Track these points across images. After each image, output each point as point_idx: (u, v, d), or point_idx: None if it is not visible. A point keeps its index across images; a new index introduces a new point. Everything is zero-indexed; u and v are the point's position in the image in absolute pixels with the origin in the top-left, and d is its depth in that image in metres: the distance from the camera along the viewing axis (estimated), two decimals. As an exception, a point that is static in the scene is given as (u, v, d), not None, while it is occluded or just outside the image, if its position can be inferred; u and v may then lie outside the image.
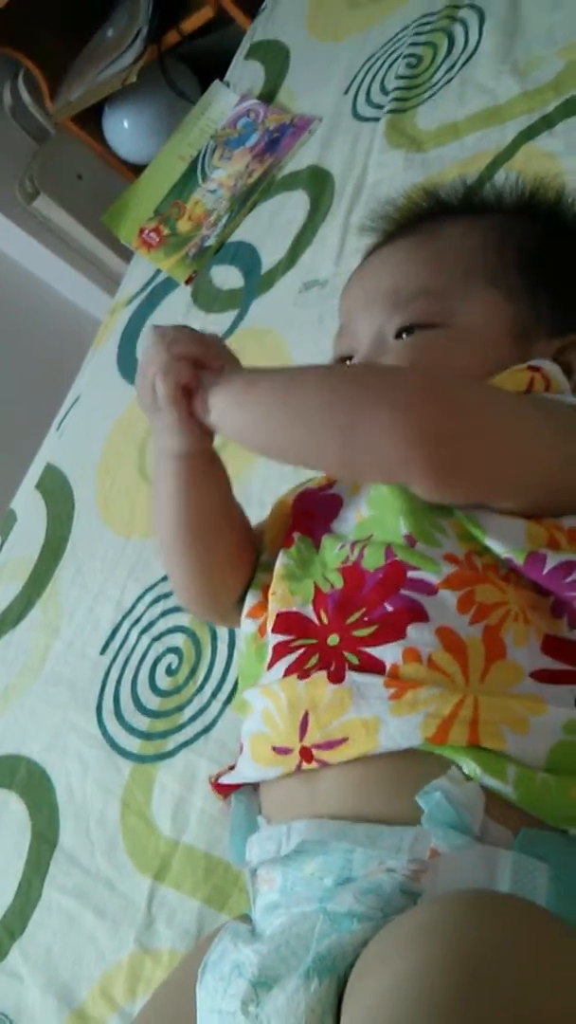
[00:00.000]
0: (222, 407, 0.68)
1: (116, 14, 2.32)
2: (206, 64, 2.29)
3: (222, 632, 1.02)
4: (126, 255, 2.29)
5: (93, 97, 2.27)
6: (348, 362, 0.82)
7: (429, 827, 0.59)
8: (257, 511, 1.08)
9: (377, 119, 1.38)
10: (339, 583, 0.69)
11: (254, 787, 0.73)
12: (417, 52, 1.41)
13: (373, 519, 0.71)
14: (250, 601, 0.79)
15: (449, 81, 1.32)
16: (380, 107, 1.39)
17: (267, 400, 0.68)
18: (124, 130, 2.39)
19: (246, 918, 0.71)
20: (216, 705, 0.96)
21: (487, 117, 1.22)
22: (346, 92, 1.49)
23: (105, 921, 0.89)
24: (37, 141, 2.44)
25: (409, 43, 1.43)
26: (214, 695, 0.97)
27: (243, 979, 0.58)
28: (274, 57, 1.71)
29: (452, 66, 1.33)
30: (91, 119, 2.41)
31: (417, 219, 0.89)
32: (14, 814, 1.06)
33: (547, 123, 1.14)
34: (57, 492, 1.40)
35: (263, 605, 0.77)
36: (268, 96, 1.64)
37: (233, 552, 0.80)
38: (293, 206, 1.41)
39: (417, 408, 0.63)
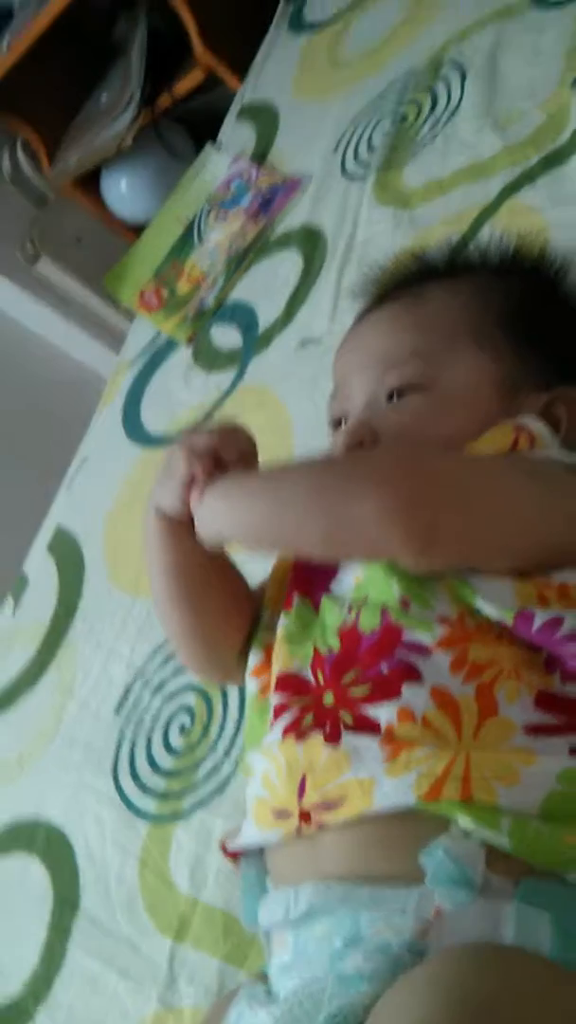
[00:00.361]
0: (211, 502, 0.72)
1: (109, 80, 2.38)
2: (199, 123, 2.36)
3: (232, 690, 1.04)
4: (128, 313, 2.33)
5: (90, 162, 2.33)
6: (342, 424, 0.84)
7: (433, 886, 0.60)
8: (262, 566, 1.11)
9: (365, 177, 1.41)
10: (337, 646, 0.71)
11: (262, 850, 0.75)
12: (401, 110, 1.44)
13: (368, 580, 0.73)
14: (253, 660, 0.81)
15: (434, 138, 1.35)
16: (367, 165, 1.43)
17: (253, 489, 0.72)
18: (122, 192, 2.45)
19: (264, 976, 0.72)
20: (229, 764, 0.98)
21: (471, 173, 1.25)
22: (335, 151, 1.52)
23: (128, 981, 0.91)
24: (37, 206, 2.50)
25: (393, 101, 1.47)
26: (227, 754, 0.99)
27: None
28: (264, 118, 1.76)
29: (436, 123, 1.37)
30: (89, 182, 2.47)
31: (404, 283, 0.92)
32: (36, 879, 1.07)
33: (529, 177, 1.17)
34: (68, 553, 1.43)
35: (266, 664, 0.79)
36: (260, 157, 1.69)
37: (228, 606, 0.83)
38: (287, 265, 1.44)
39: (394, 484, 0.66)
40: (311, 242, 1.43)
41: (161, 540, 0.79)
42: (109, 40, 2.43)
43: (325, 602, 0.76)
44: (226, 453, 0.73)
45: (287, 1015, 0.60)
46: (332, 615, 0.74)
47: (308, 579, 0.80)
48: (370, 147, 1.46)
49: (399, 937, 0.60)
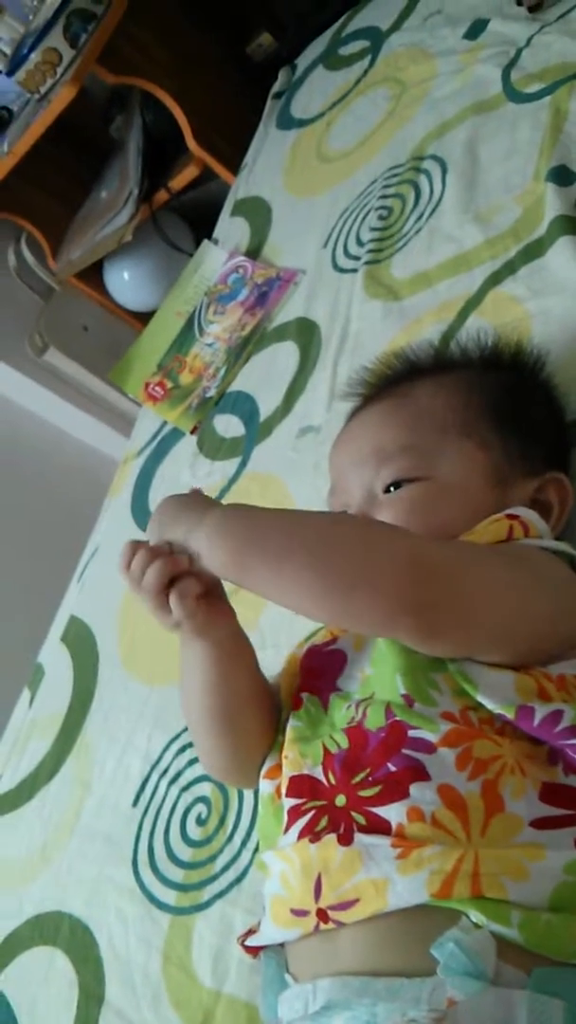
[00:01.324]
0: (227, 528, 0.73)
1: (108, 176, 2.48)
2: (197, 213, 2.44)
3: (247, 778, 1.06)
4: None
5: (93, 256, 2.41)
6: None
7: (445, 976, 0.63)
8: (272, 654, 1.13)
9: (355, 270, 1.47)
10: (344, 743, 0.74)
11: (281, 944, 0.77)
12: (387, 204, 1.50)
13: (375, 677, 0.77)
14: (268, 763, 0.84)
15: (418, 231, 1.41)
16: (357, 259, 1.48)
17: (269, 538, 0.72)
18: (124, 282, 2.53)
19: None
20: (246, 855, 1.00)
21: (455, 265, 1.30)
22: (324, 246, 1.58)
23: (154, 1077, 0.92)
24: (43, 298, 2.59)
25: (379, 195, 1.52)
26: (244, 844, 1.01)
27: None
28: (257, 213, 1.83)
29: (420, 216, 1.42)
30: (93, 274, 2.55)
31: (391, 382, 0.97)
32: (61, 971, 1.09)
33: (510, 269, 1.22)
34: (82, 644, 1.47)
35: (279, 766, 0.81)
36: (254, 251, 1.75)
37: (263, 728, 0.85)
38: (284, 356, 1.49)
39: (400, 579, 0.69)
40: (306, 334, 1.48)
41: (201, 671, 0.82)
42: (106, 137, 2.54)
43: (333, 700, 0.79)
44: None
45: None
46: (340, 712, 0.77)
47: (315, 677, 0.83)
48: (359, 241, 1.52)
49: None
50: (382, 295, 1.39)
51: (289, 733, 0.79)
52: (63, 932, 1.12)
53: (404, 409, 0.91)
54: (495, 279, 1.23)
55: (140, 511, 1.58)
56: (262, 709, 0.86)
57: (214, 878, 1.01)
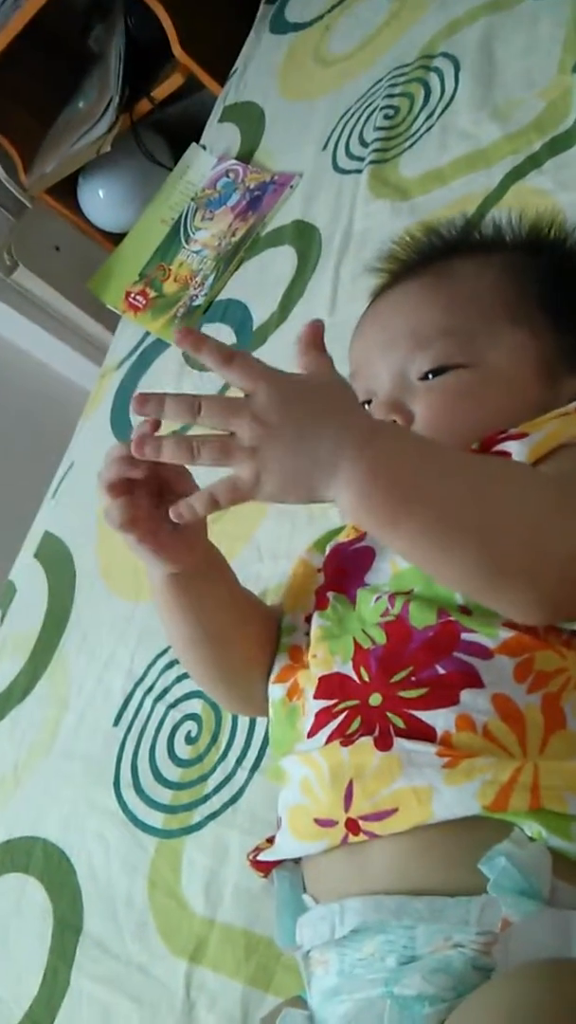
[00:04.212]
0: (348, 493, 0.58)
1: (86, 86, 2.34)
2: (178, 132, 2.32)
3: (242, 695, 0.98)
4: (108, 323, 2.29)
5: (67, 168, 2.28)
6: (367, 406, 0.78)
7: (497, 895, 0.55)
8: (270, 565, 1.06)
9: (359, 171, 1.38)
10: (381, 638, 0.66)
11: (296, 862, 0.70)
12: (394, 103, 1.41)
13: (415, 573, 0.68)
14: (277, 666, 0.76)
15: (429, 129, 1.33)
16: (361, 159, 1.39)
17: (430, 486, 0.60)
18: (99, 200, 2.40)
19: (299, 1001, 0.66)
20: (242, 773, 0.93)
21: (472, 161, 1.22)
22: (324, 148, 1.49)
23: (142, 1009, 0.85)
24: (13, 215, 2.46)
25: (384, 95, 1.43)
26: (239, 762, 0.94)
27: None
28: (249, 118, 1.72)
29: (431, 114, 1.34)
30: (66, 191, 2.42)
31: (425, 259, 0.87)
32: (33, 900, 1.01)
33: (534, 163, 1.14)
34: (57, 560, 1.37)
35: (291, 668, 0.74)
36: (246, 156, 1.65)
37: (255, 646, 0.77)
38: (280, 261, 1.40)
39: (556, 577, 0.59)
40: (305, 237, 1.39)
41: (173, 601, 0.73)
42: (85, 47, 2.40)
43: (361, 594, 0.71)
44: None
45: None
46: (369, 605, 0.69)
47: (341, 576, 0.75)
48: (362, 142, 1.43)
49: (461, 954, 0.55)
50: (389, 194, 1.30)
51: (315, 632, 0.71)
52: (36, 858, 1.04)
53: (444, 289, 0.82)
54: (517, 173, 1.15)
55: (120, 426, 1.48)
56: (249, 626, 0.78)
57: (206, 799, 0.94)
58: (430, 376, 0.76)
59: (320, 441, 0.57)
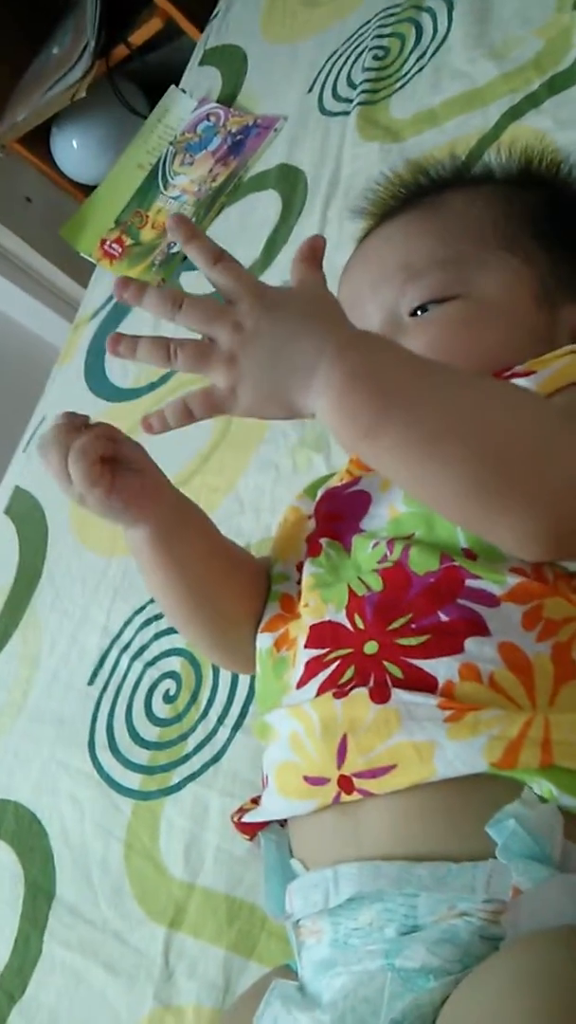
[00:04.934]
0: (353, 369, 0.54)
1: (60, 33, 2.25)
2: (156, 81, 2.23)
3: (223, 652, 0.94)
4: (80, 277, 2.22)
5: (41, 116, 2.19)
6: None
7: (507, 860, 0.51)
8: (252, 519, 1.02)
9: (347, 112, 1.32)
10: (377, 585, 0.62)
11: (283, 824, 0.65)
12: (383, 44, 1.36)
13: (416, 516, 0.64)
14: (267, 615, 0.71)
15: (421, 69, 1.27)
16: (349, 101, 1.34)
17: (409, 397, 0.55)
18: (73, 150, 2.32)
19: (288, 971, 0.63)
20: (224, 732, 0.88)
21: (466, 101, 1.18)
22: (310, 90, 1.44)
23: (118, 977, 0.80)
24: (-17, 164, 2.37)
25: (373, 36, 1.38)
26: (220, 721, 0.89)
27: None
28: (231, 62, 1.66)
29: (423, 55, 1.28)
30: (39, 141, 2.34)
31: (414, 195, 0.83)
32: (3, 864, 0.96)
33: (532, 102, 1.09)
34: (28, 516, 1.32)
35: (281, 617, 0.70)
36: (227, 100, 1.59)
37: (242, 599, 0.73)
38: (264, 206, 1.35)
39: (562, 506, 0.54)
40: (290, 181, 1.34)
41: (150, 557, 0.69)
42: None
43: (356, 540, 0.66)
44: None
45: (338, 1022, 0.50)
46: (365, 552, 0.64)
47: (335, 521, 0.70)
48: (350, 84, 1.37)
49: (467, 923, 0.51)
50: (379, 136, 1.25)
51: (307, 580, 0.67)
52: (6, 821, 1.00)
53: (434, 219, 0.78)
54: (515, 113, 1.11)
55: (95, 377, 1.42)
56: (233, 576, 0.73)
57: (185, 759, 0.89)
58: (422, 312, 0.71)
59: (300, 349, 0.54)
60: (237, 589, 0.73)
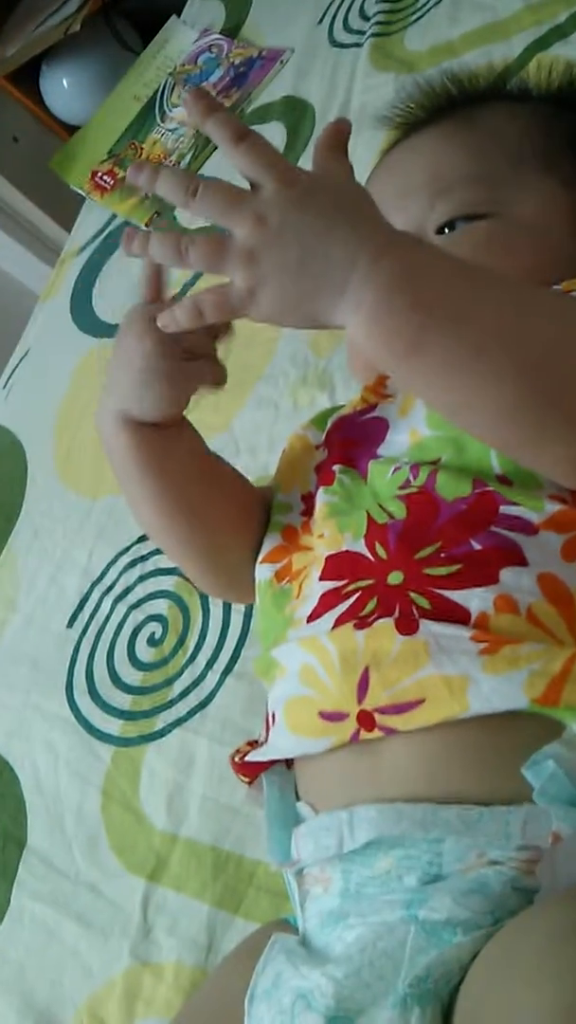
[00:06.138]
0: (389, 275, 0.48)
1: (55, -36, 2.17)
2: (154, 21, 2.15)
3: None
4: (66, 222, 2.14)
5: (31, 50, 2.10)
6: None
7: (544, 804, 0.46)
8: (247, 459, 0.96)
9: (359, 44, 1.26)
10: (401, 512, 0.56)
11: (287, 765, 0.60)
12: (400, -26, 1.29)
13: (442, 440, 0.59)
14: (267, 546, 0.65)
15: (439, 3, 1.21)
16: (361, 33, 1.28)
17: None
18: (63, 89, 2.22)
19: (286, 925, 0.57)
20: (213, 676, 0.83)
21: (488, 33, 1.12)
22: (320, 22, 1.37)
23: (91, 931, 0.75)
24: (-31, 100, 2.27)
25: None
26: (209, 665, 0.84)
27: (314, 1013, 0.44)
28: (235, -7, 1.59)
29: (442, -14, 1.22)
30: (28, 79, 2.24)
31: (446, 108, 0.77)
32: (-29, 812, 0.91)
33: (560, 34, 1.04)
34: (7, 454, 1.25)
35: (284, 548, 0.64)
36: (231, 33, 1.52)
37: (236, 524, 0.67)
38: (268, 138, 1.27)
39: None
40: (296, 112, 1.27)
41: (139, 463, 0.62)
42: None
43: (373, 466, 0.61)
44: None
45: (353, 977, 0.45)
46: (385, 477, 0.59)
47: (349, 447, 0.65)
48: (363, 15, 1.31)
49: (498, 872, 0.46)
50: (393, 67, 1.19)
51: (321, 510, 0.61)
52: (-25, 767, 0.94)
53: (468, 133, 0.72)
54: (541, 44, 1.05)
55: (81, 312, 1.36)
56: (227, 502, 0.68)
57: (170, 704, 0.84)
58: (450, 229, 0.66)
59: (330, 251, 0.48)
60: (230, 513, 0.67)
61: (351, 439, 0.66)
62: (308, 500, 0.66)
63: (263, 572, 0.64)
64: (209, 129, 0.52)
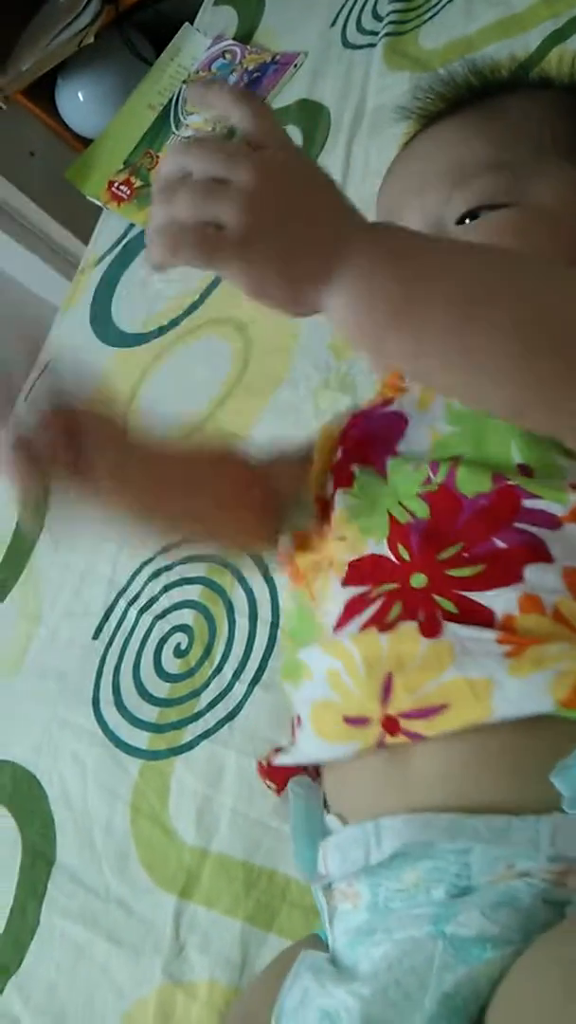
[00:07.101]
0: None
1: (68, -21, 2.17)
2: (167, 32, 2.16)
3: (240, 604, 0.87)
4: (84, 234, 2.14)
5: (46, 65, 2.10)
6: None
7: (574, 812, 0.45)
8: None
9: (373, 45, 1.25)
10: (423, 511, 0.55)
11: (315, 777, 0.59)
12: (412, -27, 1.28)
13: (462, 436, 0.57)
14: (281, 546, 0.64)
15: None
16: (374, 33, 1.27)
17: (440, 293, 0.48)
18: (79, 103, 2.23)
19: (317, 941, 0.56)
20: (240, 687, 0.82)
21: (504, 28, 1.10)
22: (332, 25, 1.36)
23: (122, 949, 0.74)
24: (-14, 116, 2.28)
25: (401, -34, 1.30)
26: (236, 676, 0.83)
27: None
28: (247, 0, 1.58)
29: (455, -17, 1.21)
30: (43, 93, 2.25)
31: (467, 98, 0.76)
32: (1, 829, 0.89)
33: (577, 26, 1.02)
34: (29, 467, 1.25)
35: (300, 547, 0.63)
36: (244, 38, 1.51)
37: (252, 526, 0.67)
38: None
39: None
40: (311, 116, 1.26)
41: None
42: None
43: (393, 464, 0.59)
44: None
45: (380, 995, 0.43)
46: (405, 476, 0.57)
47: (366, 445, 0.63)
48: (376, 16, 1.30)
49: (529, 885, 0.44)
50: (408, 66, 1.18)
51: (340, 514, 0.59)
52: (4, 783, 0.93)
53: (489, 123, 0.70)
54: (559, 36, 1.04)
55: (101, 322, 1.35)
56: (241, 521, 0.67)
57: (198, 716, 0.82)
58: (471, 219, 0.64)
59: (319, 215, 0.48)
60: (255, 522, 0.67)
61: (368, 436, 0.64)
62: (320, 503, 0.64)
63: (282, 576, 0.63)
64: (212, 98, 0.51)
